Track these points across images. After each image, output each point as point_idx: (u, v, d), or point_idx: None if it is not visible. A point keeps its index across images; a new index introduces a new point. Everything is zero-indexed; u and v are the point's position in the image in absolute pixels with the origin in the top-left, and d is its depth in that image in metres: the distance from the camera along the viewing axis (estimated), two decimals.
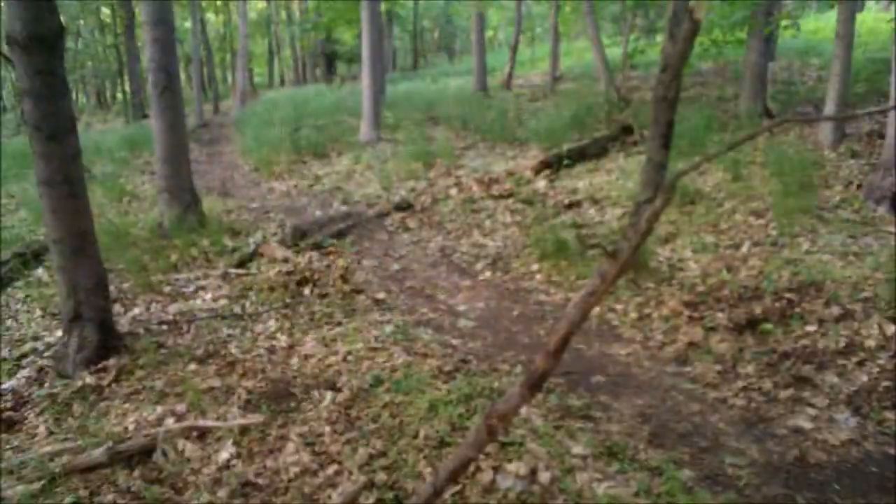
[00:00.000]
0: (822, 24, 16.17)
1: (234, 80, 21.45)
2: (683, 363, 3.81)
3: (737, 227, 5.31)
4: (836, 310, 3.91)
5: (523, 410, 3.12)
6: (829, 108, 6.82)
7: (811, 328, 3.82)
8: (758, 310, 4.00)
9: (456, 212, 6.90)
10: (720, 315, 4.08)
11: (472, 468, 2.66)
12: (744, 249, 4.90)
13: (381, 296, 4.98)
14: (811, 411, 3.22)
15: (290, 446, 2.93)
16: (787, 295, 4.12)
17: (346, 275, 5.29)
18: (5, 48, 3.52)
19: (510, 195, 7.04)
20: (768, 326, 3.88)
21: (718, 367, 3.68)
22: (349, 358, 3.82)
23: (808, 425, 3.12)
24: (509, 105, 11.94)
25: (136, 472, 2.82)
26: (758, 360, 3.66)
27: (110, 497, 2.65)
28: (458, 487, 2.57)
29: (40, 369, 3.86)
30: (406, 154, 9.12)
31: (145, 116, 17.63)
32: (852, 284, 4.12)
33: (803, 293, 4.14)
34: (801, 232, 5.02)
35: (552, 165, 7.64)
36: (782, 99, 9.08)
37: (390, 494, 2.59)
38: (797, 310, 3.98)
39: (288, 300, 4.79)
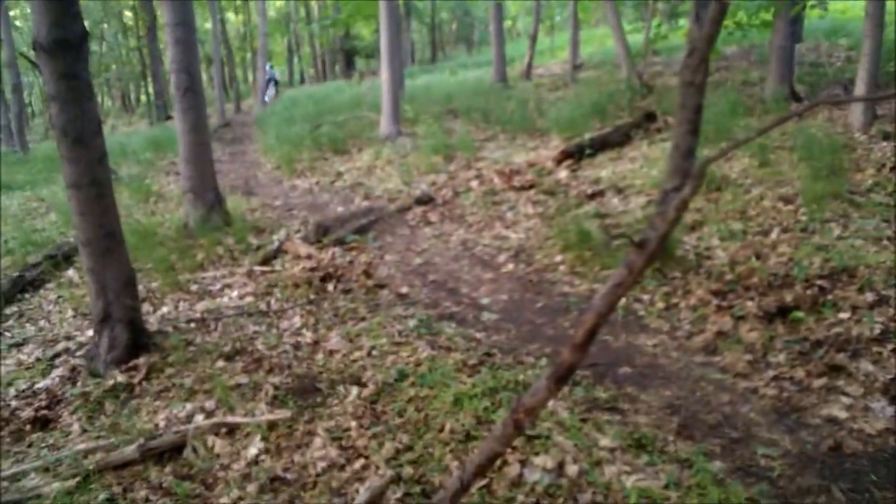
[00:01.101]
0: (849, 4, 15.72)
1: (255, 79, 21.61)
2: (712, 353, 3.74)
3: (765, 213, 5.19)
4: (870, 296, 3.80)
5: (549, 403, 3.10)
6: (860, 88, 6.62)
7: (844, 315, 3.72)
8: (788, 297, 3.91)
9: (477, 204, 6.87)
10: (749, 303, 4.00)
11: (499, 462, 2.64)
12: (773, 236, 4.79)
13: (404, 290, 4.98)
14: (845, 400, 3.14)
15: (318, 441, 2.95)
16: (819, 282, 4.02)
17: (369, 270, 5.31)
18: (31, 53, 3.58)
19: (532, 186, 6.99)
20: (799, 314, 3.79)
21: (748, 357, 3.60)
22: (374, 353, 3.84)
23: (842, 414, 3.04)
24: (529, 95, 11.85)
25: (168, 469, 2.87)
26: (789, 349, 3.58)
27: (143, 493, 2.70)
28: (485, 481, 2.57)
29: (73, 368, 3.95)
30: (426, 147, 9.11)
31: (169, 118, 17.90)
32: (887, 270, 4.00)
33: (835, 279, 4.04)
34: (833, 217, 4.89)
35: (574, 155, 7.55)
36: (810, 81, 8.86)
37: (417, 488, 2.59)
38: (829, 297, 3.88)
39: (312, 296, 4.82)
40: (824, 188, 5.19)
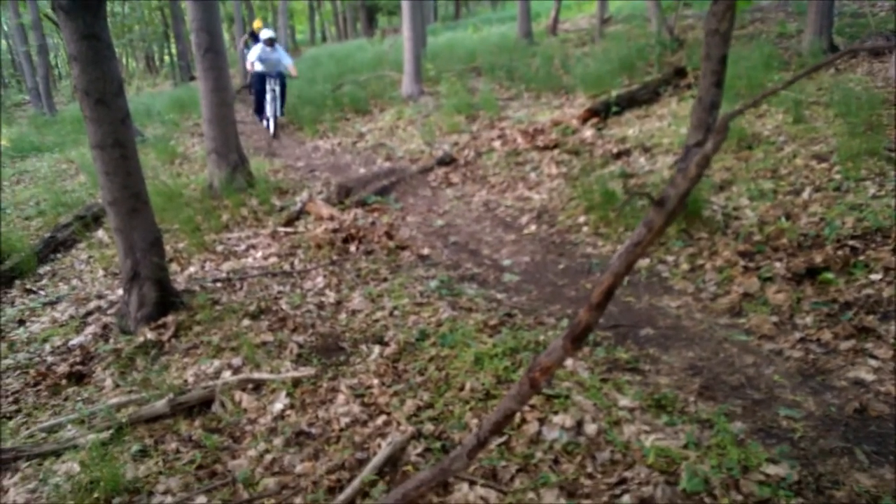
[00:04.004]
0: None
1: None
2: (737, 315, 3.69)
3: (797, 171, 5.03)
4: None
5: (569, 363, 3.11)
6: None
7: (876, 276, 3.63)
8: (818, 258, 3.82)
9: (500, 165, 6.79)
10: (777, 265, 3.92)
11: (518, 420, 2.67)
12: (804, 195, 4.65)
13: (425, 251, 4.99)
14: (873, 363, 3.09)
15: (341, 398, 3.01)
16: (851, 242, 3.91)
17: (390, 231, 5.31)
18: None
19: (556, 146, 6.87)
20: (829, 275, 3.71)
21: (774, 319, 3.55)
22: (395, 313, 3.87)
23: (869, 377, 2.99)
24: (555, 52, 11.54)
25: (197, 422, 2.97)
26: (817, 311, 3.52)
27: (173, 445, 2.80)
28: (504, 439, 2.60)
29: (105, 326, 4.07)
30: (448, 107, 8.98)
31: (193, 78, 17.88)
32: None
33: (868, 240, 3.92)
34: (868, 175, 4.72)
35: (600, 113, 7.38)
36: (850, 33, 8.45)
37: (437, 444, 2.64)
38: (861, 257, 3.78)
39: (335, 257, 4.86)
40: (861, 145, 4.99)
